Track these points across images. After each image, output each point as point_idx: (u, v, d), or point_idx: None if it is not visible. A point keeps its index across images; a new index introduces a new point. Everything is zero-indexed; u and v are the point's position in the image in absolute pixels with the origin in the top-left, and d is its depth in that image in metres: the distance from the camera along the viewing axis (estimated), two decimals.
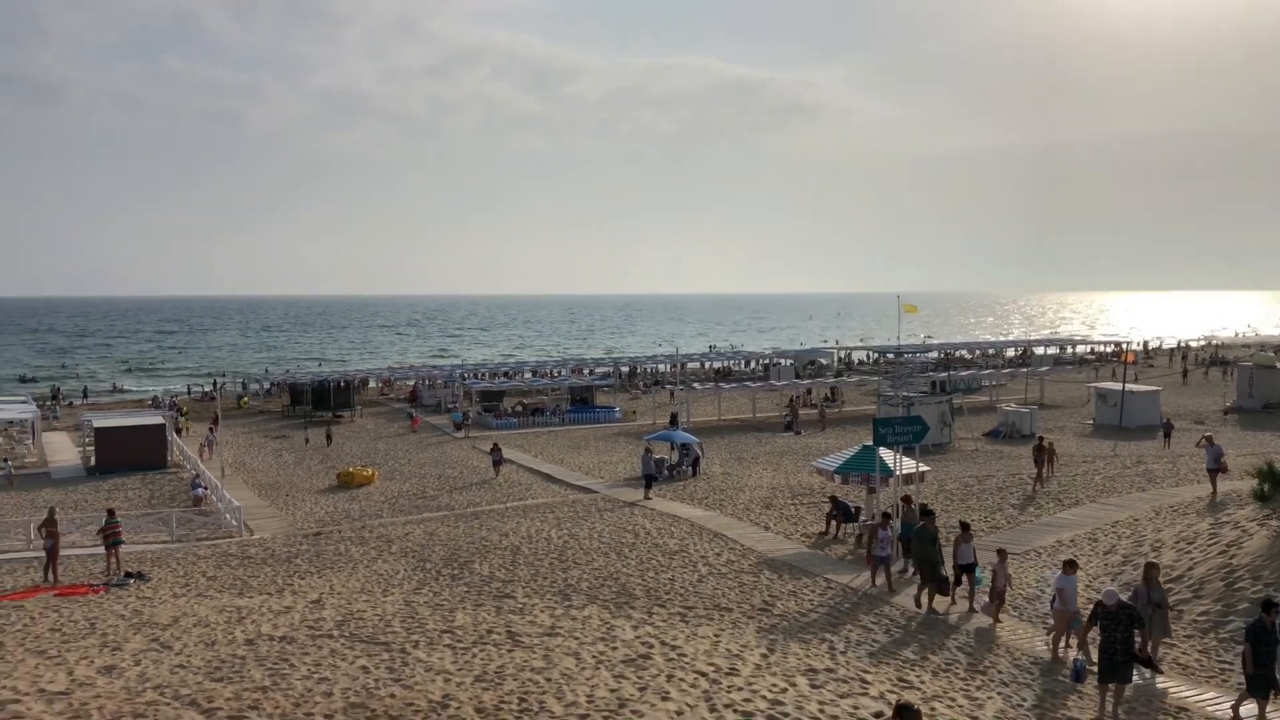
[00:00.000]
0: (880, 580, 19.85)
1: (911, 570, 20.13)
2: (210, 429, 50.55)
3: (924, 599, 18.26)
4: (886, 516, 20.99)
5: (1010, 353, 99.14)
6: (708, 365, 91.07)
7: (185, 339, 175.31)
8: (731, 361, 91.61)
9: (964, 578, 18.41)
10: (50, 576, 23.24)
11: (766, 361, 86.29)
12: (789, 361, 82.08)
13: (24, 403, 57.18)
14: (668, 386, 68.54)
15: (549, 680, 13.22)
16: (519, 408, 58.16)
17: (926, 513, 19.58)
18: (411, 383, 73.37)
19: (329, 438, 48.53)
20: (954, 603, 18.35)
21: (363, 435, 51.77)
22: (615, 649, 15.02)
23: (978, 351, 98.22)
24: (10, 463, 43.07)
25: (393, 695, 12.42)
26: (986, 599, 17.55)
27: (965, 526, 19.04)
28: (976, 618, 17.55)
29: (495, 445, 40.07)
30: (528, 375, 77.64)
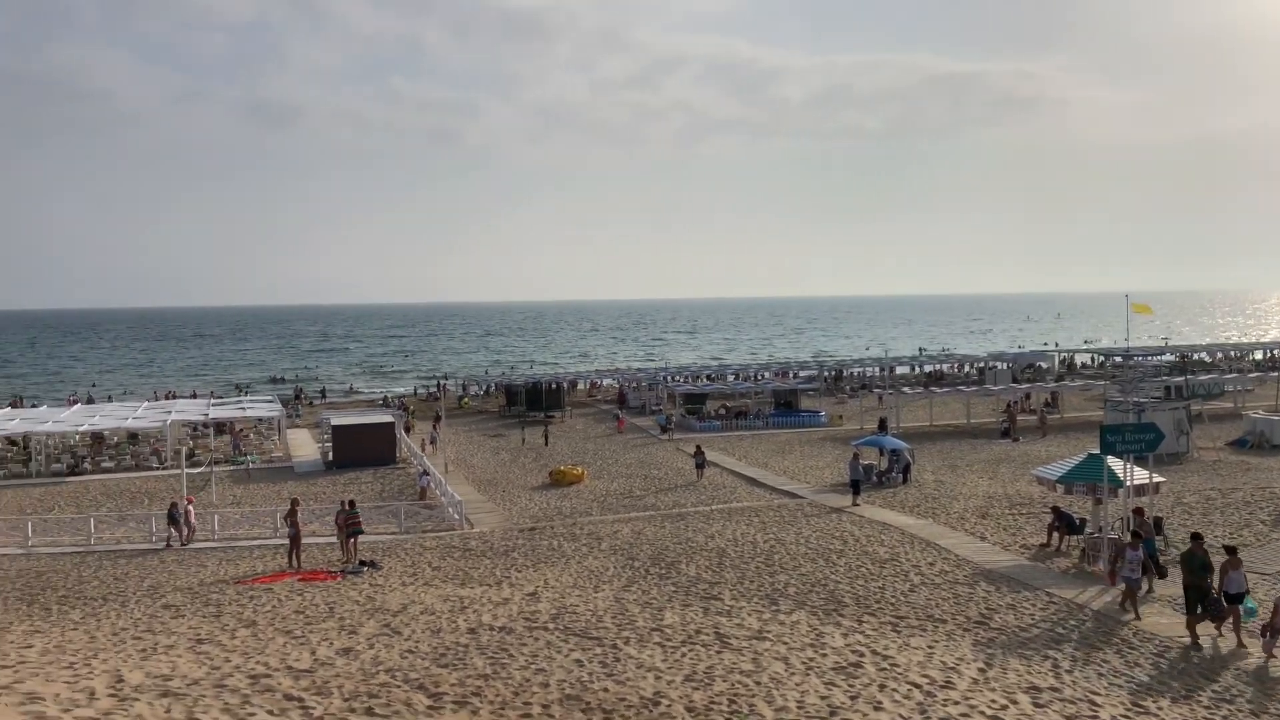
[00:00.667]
0: (1128, 603, 18.12)
1: (1153, 590, 18.75)
2: (434, 426, 53.56)
3: (1194, 628, 16.42)
4: (1137, 536, 19.08)
5: (1258, 355, 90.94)
6: (918, 369, 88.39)
7: (413, 343, 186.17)
8: (944, 365, 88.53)
9: (1229, 607, 16.20)
10: (294, 562, 25.22)
11: (981, 365, 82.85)
12: (1005, 365, 78.44)
13: (270, 402, 62.34)
14: (875, 391, 66.99)
15: (758, 684, 13.19)
16: (722, 410, 58.35)
17: (1195, 536, 17.26)
18: (618, 385, 75.06)
19: (546, 438, 50.19)
20: (1221, 634, 16.57)
21: (572, 435, 53.36)
22: (825, 656, 14.81)
23: (1219, 354, 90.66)
24: (252, 457, 47.14)
25: (605, 689, 12.72)
26: (1260, 633, 15.57)
27: (1232, 550, 16.84)
28: (1244, 651, 15.61)
29: (698, 448, 40.34)
30: (731, 378, 77.86)
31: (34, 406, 64.89)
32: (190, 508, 30.24)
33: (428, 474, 37.69)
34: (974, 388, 59.86)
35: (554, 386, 64.56)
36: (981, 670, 14.25)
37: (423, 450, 46.11)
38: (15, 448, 49.59)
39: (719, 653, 14.90)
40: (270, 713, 10.69)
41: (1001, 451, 42.12)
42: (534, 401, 62.23)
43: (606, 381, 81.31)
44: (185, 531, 29.38)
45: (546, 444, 49.06)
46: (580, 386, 78.38)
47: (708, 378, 76.03)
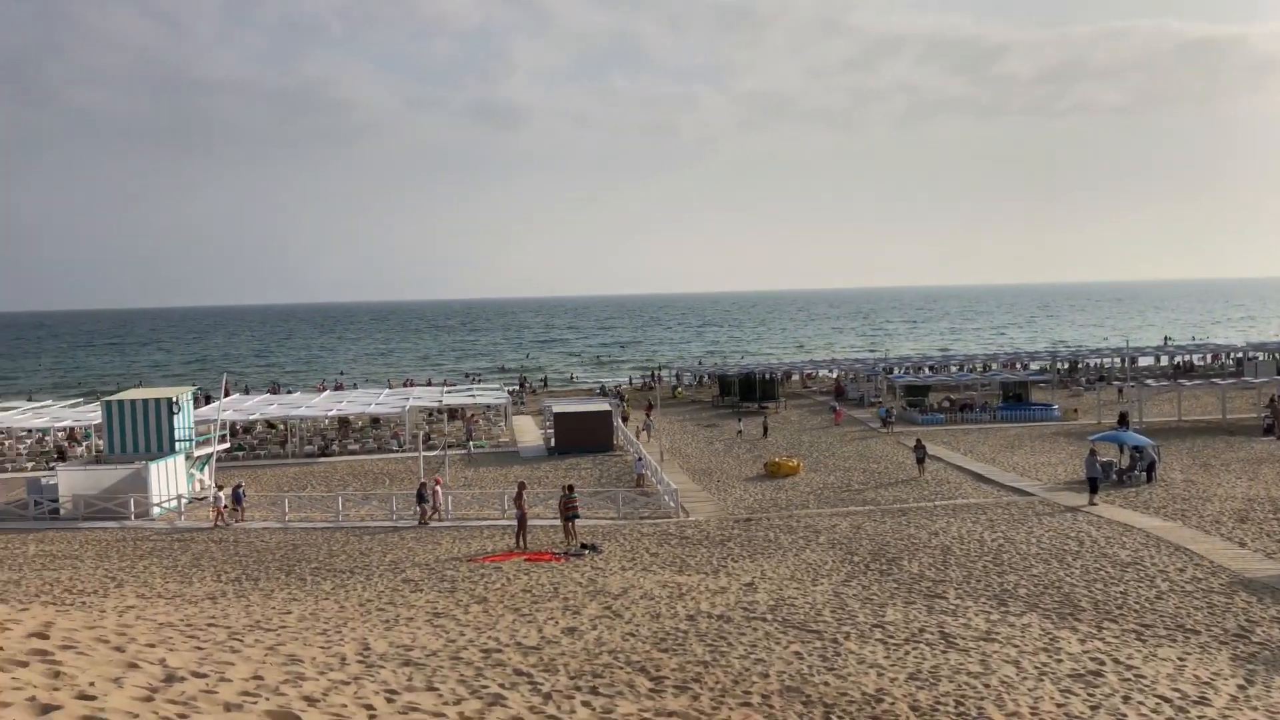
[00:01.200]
0: None
1: None
2: (646, 414, 54.52)
3: None
4: None
5: None
6: (1164, 360, 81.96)
7: (630, 334, 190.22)
8: (1195, 355, 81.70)
9: None
10: (521, 543, 26.31)
11: (1239, 355, 75.87)
12: (1269, 355, 71.46)
13: (497, 390, 65.30)
14: (1114, 383, 62.67)
15: (987, 686, 12.60)
16: (945, 403, 56.23)
17: None
18: (835, 376, 73.79)
19: (765, 429, 49.83)
20: None
21: (787, 427, 52.92)
22: (1060, 661, 13.97)
23: None
24: (480, 441, 49.44)
25: (826, 683, 12.51)
26: None
27: None
28: None
29: (919, 442, 38.96)
30: (954, 369, 74.88)
31: (289, 393, 70.75)
32: (439, 488, 32.17)
33: (643, 460, 38.38)
34: (1231, 380, 54.88)
35: (768, 377, 64.19)
36: (1241, 687, 13.04)
37: (638, 438, 47.03)
38: (274, 430, 54.27)
39: (944, 652, 14.35)
40: (501, 685, 11.15)
41: (1264, 450, 38.42)
42: (748, 392, 62.16)
43: (823, 372, 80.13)
44: (431, 510, 31.26)
45: (765, 435, 48.77)
46: (795, 377, 77.61)
47: (930, 368, 73.48)
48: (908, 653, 14.30)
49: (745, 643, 14.69)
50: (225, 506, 32.09)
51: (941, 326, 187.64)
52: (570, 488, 27.72)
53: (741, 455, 43.78)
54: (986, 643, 15.00)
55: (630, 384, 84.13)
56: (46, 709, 6.66)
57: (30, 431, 53.29)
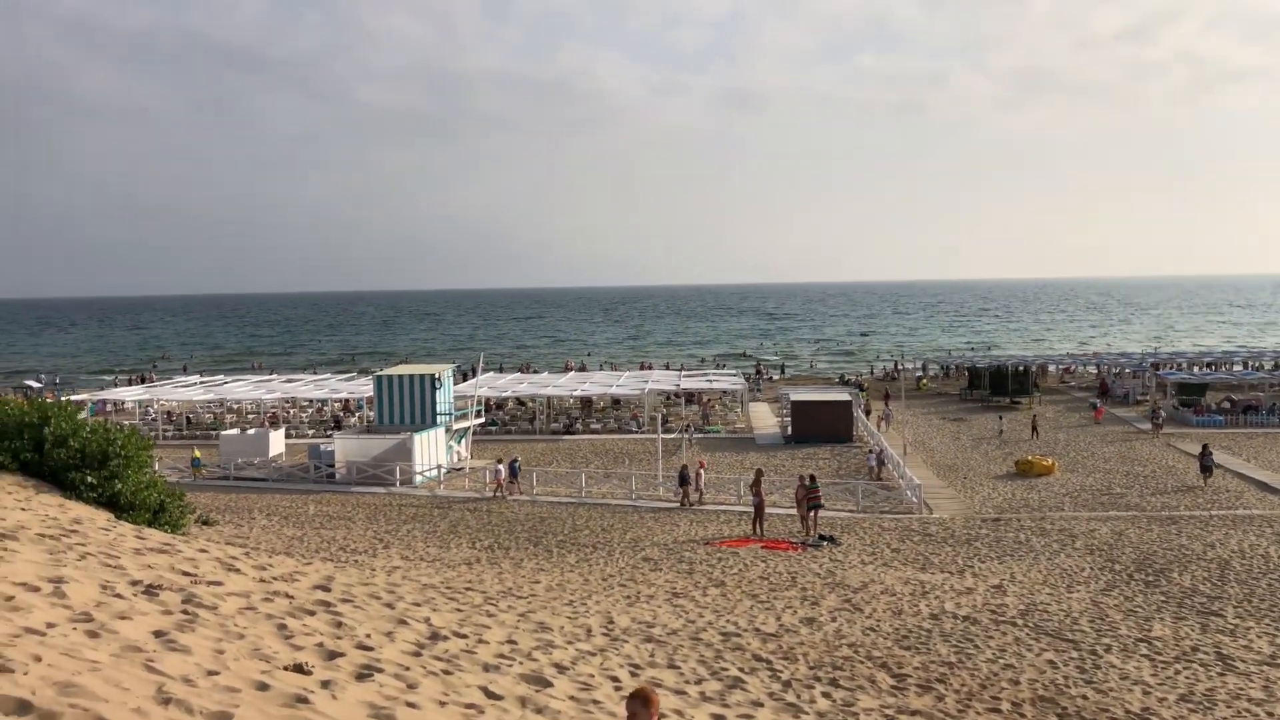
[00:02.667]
0: None
1: None
2: (885, 404, 53.09)
3: None
4: None
5: None
6: None
7: (876, 322, 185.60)
8: None
9: None
10: (758, 530, 26.30)
11: None
12: None
13: (734, 376, 65.56)
14: None
15: (1270, 715, 11.40)
16: (1226, 404, 51.28)
17: None
18: (1097, 370, 69.02)
19: (1035, 429, 45.27)
20: None
21: (1041, 424, 49.96)
22: None
23: None
24: (711, 427, 49.73)
25: (1084, 697, 11.73)
26: None
27: None
28: None
29: (1205, 448, 34.56)
30: (1237, 367, 68.23)
31: (536, 373, 74.04)
32: (701, 471, 32.58)
33: (874, 453, 37.39)
34: None
35: (1021, 370, 60.85)
36: None
37: (877, 428, 45.86)
38: (524, 407, 56.99)
39: (1220, 675, 13.11)
40: (741, 669, 11.18)
41: None
42: (998, 385, 59.21)
43: (1083, 367, 75.09)
44: (695, 493, 31.65)
45: (1035, 435, 44.61)
46: (1052, 370, 73.12)
47: (1208, 365, 67.30)
48: (1178, 672, 13.17)
49: (993, 646, 14.01)
50: (503, 478, 33.74)
51: (1220, 319, 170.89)
52: (811, 477, 27.40)
53: (990, 452, 41.79)
54: (1271, 668, 13.57)
55: (871, 374, 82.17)
56: (333, 655, 7.27)
57: (311, 402, 58.61)
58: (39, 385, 72.37)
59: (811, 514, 26.18)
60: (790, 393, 51.31)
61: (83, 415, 16.64)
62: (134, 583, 8.36)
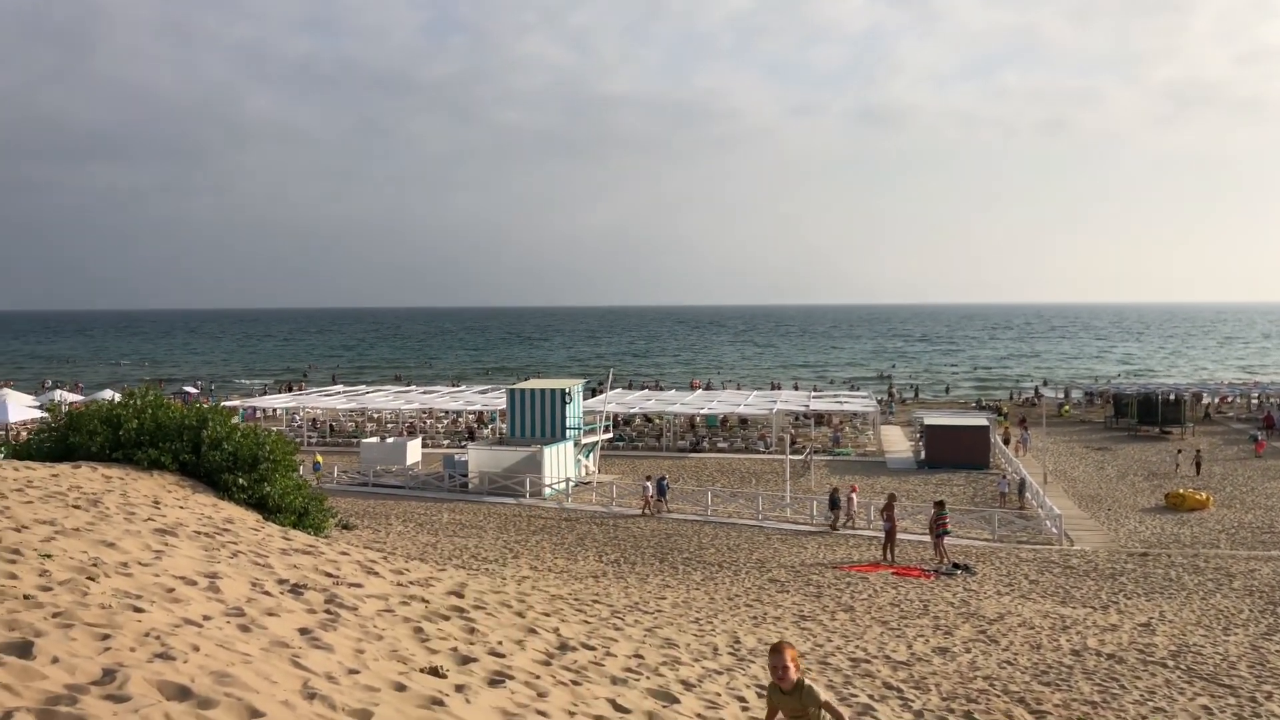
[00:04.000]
0: None
1: None
2: (1022, 429, 51.17)
3: None
4: None
5: None
6: None
7: (1017, 345, 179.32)
8: None
9: None
10: (888, 555, 25.69)
11: None
12: None
13: (865, 397, 64.39)
14: None
15: None
16: None
17: None
18: (1258, 400, 65.01)
19: (1198, 465, 41.92)
20: None
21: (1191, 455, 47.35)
22: None
23: None
24: (840, 449, 48.86)
25: None
26: None
27: None
28: None
29: None
30: None
31: (663, 390, 74.30)
32: (854, 495, 31.64)
33: (1006, 480, 36.03)
34: None
35: (1173, 399, 57.80)
36: None
37: (1015, 452, 44.25)
38: (651, 424, 57.26)
39: None
40: (870, 696, 10.91)
41: None
42: (1147, 414, 56.37)
43: (1241, 397, 70.81)
44: (845, 517, 30.89)
45: (1197, 471, 41.45)
46: (1205, 399, 69.21)
47: None
48: None
49: (1141, 688, 13.28)
50: (651, 496, 33.55)
51: None
52: (941, 503, 26.65)
53: (1137, 483, 39.81)
54: None
55: (1010, 399, 79.42)
56: (466, 660, 7.43)
57: (447, 413, 60.28)
58: (196, 391, 76.67)
59: (940, 541, 25.46)
60: (924, 416, 50.03)
61: (235, 420, 17.52)
62: (281, 581, 8.73)
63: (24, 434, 39.62)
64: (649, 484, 34.15)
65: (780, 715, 6.12)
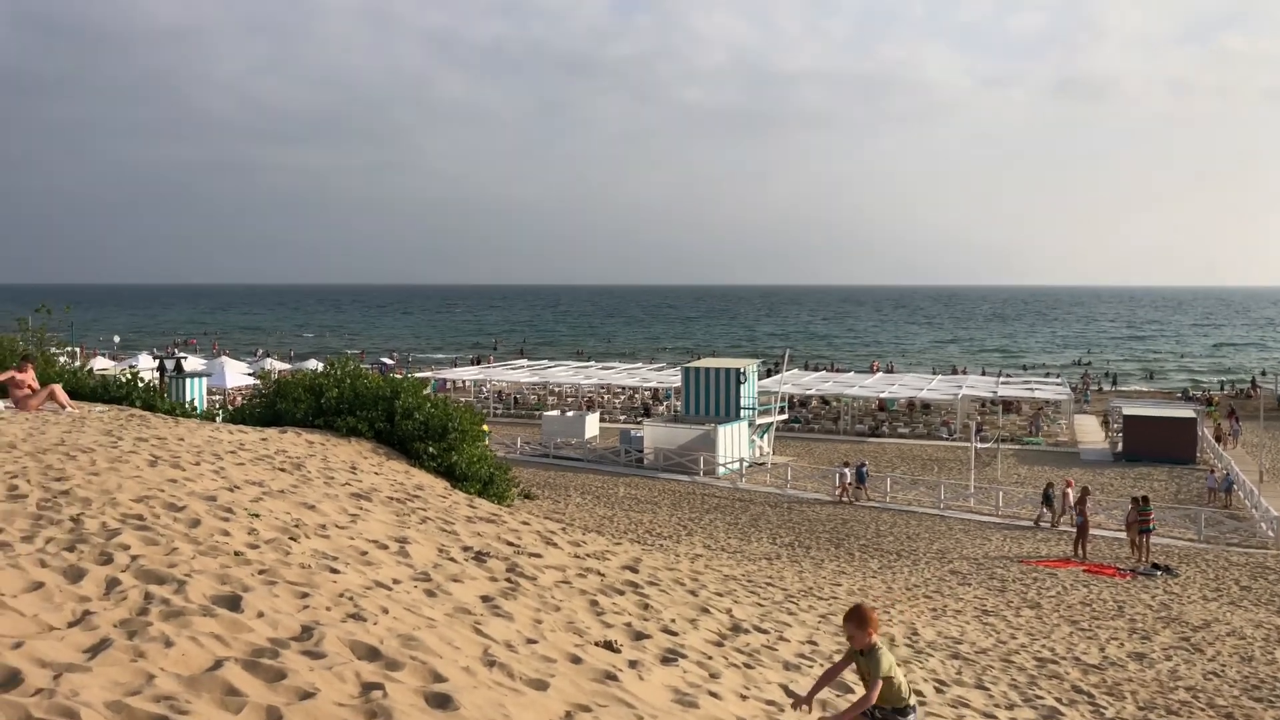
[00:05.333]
0: None
1: None
2: (1231, 421, 47.41)
3: None
4: None
5: None
6: None
7: (1238, 331, 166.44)
8: None
9: None
10: (1079, 552, 24.37)
11: None
12: None
13: (1058, 384, 61.23)
14: None
15: None
16: None
17: None
18: None
19: None
20: None
21: None
22: None
23: None
24: (1030, 438, 46.63)
25: None
26: None
27: None
28: None
29: None
30: None
31: (842, 372, 72.94)
32: (1069, 490, 28.55)
33: (1215, 476, 33.42)
34: None
35: None
36: None
37: (1223, 446, 41.09)
38: (828, 406, 56.36)
39: None
40: (1058, 699, 10.37)
41: None
42: None
43: None
44: (1060, 513, 28.53)
45: None
46: None
47: None
48: None
49: None
50: (850, 483, 32.45)
51: None
52: (1145, 499, 25.04)
53: None
54: None
55: (1223, 389, 73.81)
56: (639, 636, 7.49)
57: (624, 389, 61.23)
58: (391, 363, 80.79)
59: (1142, 539, 23.94)
60: (1123, 405, 47.13)
61: (427, 391, 18.31)
62: (465, 548, 9.05)
63: (238, 399, 42.80)
64: (847, 470, 32.91)
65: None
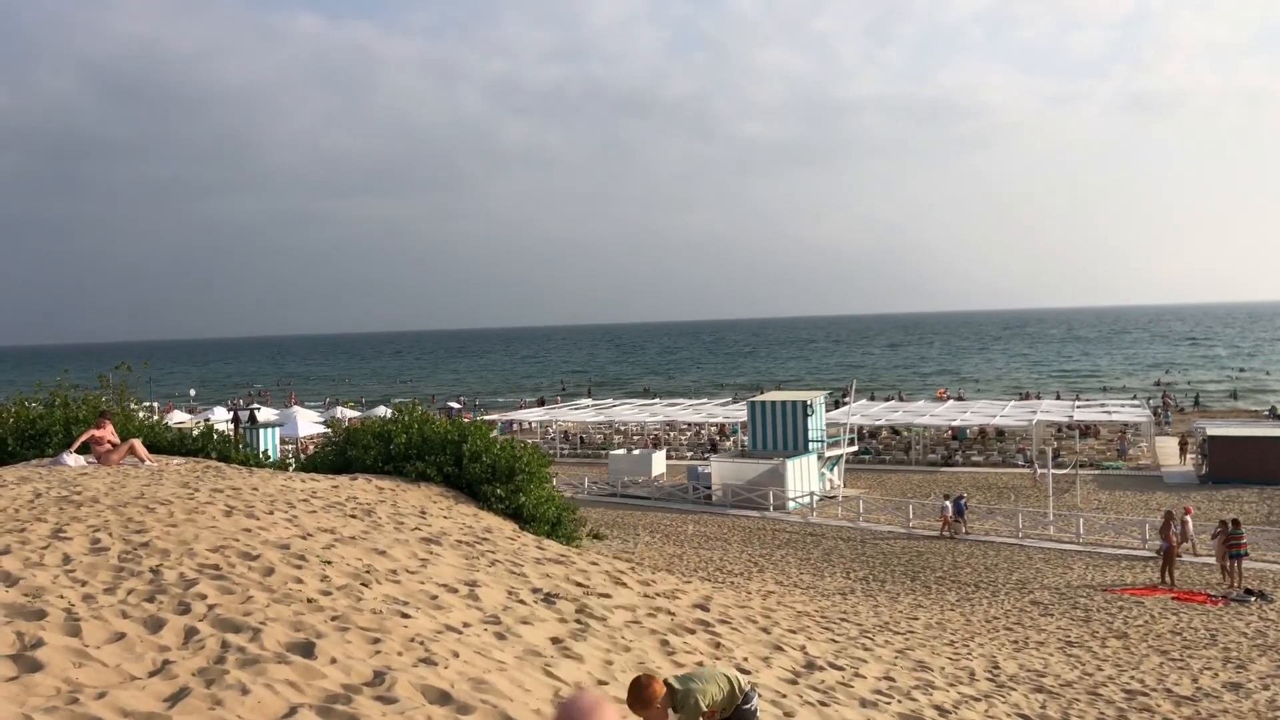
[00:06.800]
0: None
1: None
2: None
3: None
4: None
5: None
6: None
7: None
8: None
9: None
10: (1167, 578, 23.56)
11: None
12: None
13: (1138, 406, 59.58)
14: None
15: None
16: None
17: None
18: None
19: None
20: None
21: None
22: None
23: None
24: (1109, 462, 45.34)
25: None
26: None
27: None
28: None
29: None
30: None
31: (910, 401, 71.84)
32: (1189, 518, 27.33)
33: None
34: None
35: None
36: None
37: None
38: (898, 436, 55.52)
39: None
40: None
41: None
42: None
43: None
44: (1180, 541, 26.01)
45: None
46: None
47: None
48: None
49: None
50: (949, 516, 31.59)
51: None
52: (1235, 521, 24.15)
53: None
54: None
55: None
56: None
57: (689, 425, 61.05)
58: (459, 407, 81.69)
59: (1234, 564, 23.07)
60: (1206, 426, 45.65)
61: (494, 434, 18.46)
62: (534, 590, 9.06)
63: (310, 447, 43.59)
64: (947, 504, 31.96)
65: None
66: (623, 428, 61.55)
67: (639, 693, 4.61)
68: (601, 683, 6.25)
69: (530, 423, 63.24)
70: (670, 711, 4.72)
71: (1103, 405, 60.00)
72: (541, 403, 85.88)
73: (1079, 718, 10.21)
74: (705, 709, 4.79)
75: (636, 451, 46.96)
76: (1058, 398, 74.89)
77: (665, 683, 4.76)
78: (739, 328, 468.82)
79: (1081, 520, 30.93)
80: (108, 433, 14.90)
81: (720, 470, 39.60)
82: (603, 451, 53.85)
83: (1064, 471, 40.60)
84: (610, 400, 75.67)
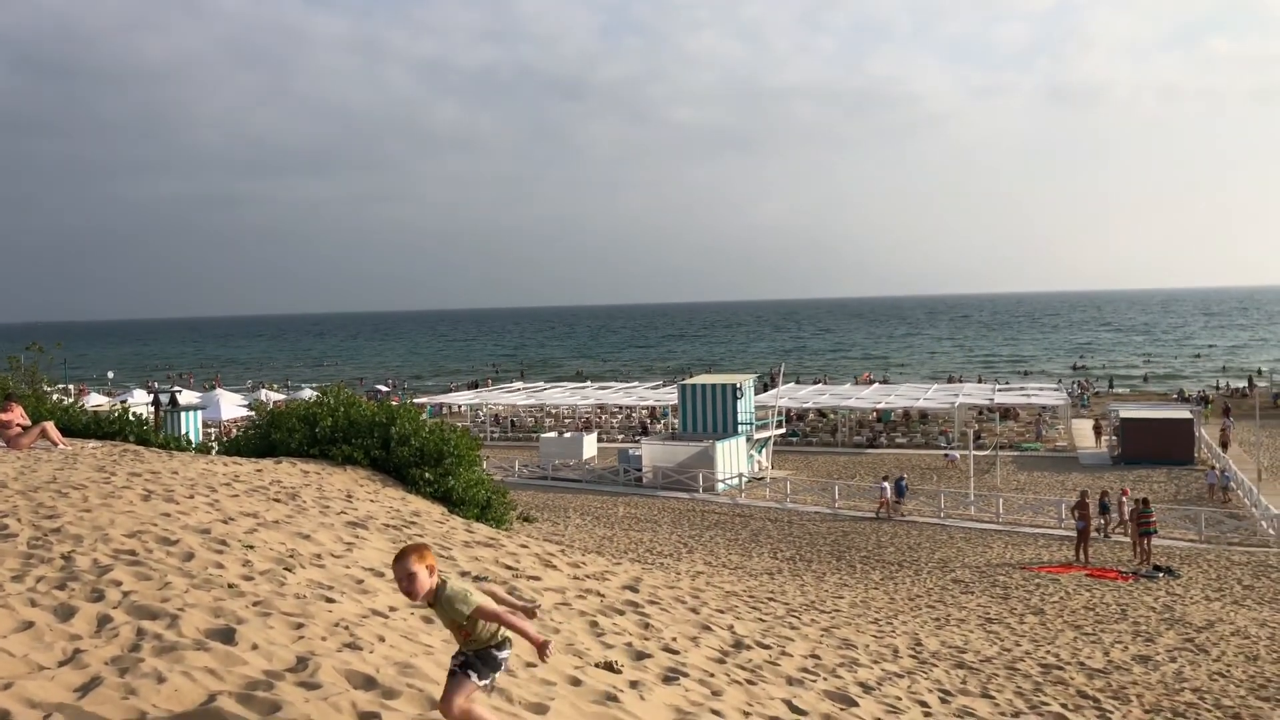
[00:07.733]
0: None
1: None
2: (1225, 418, 47.48)
3: None
4: None
5: None
6: None
7: (1225, 333, 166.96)
8: None
9: None
10: (1081, 556, 24.33)
11: None
12: None
13: (1055, 389, 61.28)
14: None
15: None
16: None
17: None
18: None
19: None
20: None
21: None
22: None
23: None
24: (1027, 444, 46.63)
25: None
26: None
27: None
28: None
29: None
30: None
31: (835, 384, 72.90)
32: (1125, 499, 28.20)
33: (1215, 473, 33.44)
34: None
35: None
36: None
37: (1223, 448, 41.11)
38: (825, 419, 56.34)
39: None
40: (1064, 706, 10.30)
41: None
42: None
43: None
44: (1118, 523, 27.77)
45: None
46: None
47: None
48: None
49: None
50: (888, 498, 32.04)
51: None
52: (1145, 500, 25.03)
53: None
54: None
55: (1218, 389, 73.92)
56: (640, 655, 7.43)
57: (621, 408, 61.17)
58: (386, 389, 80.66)
59: (1144, 541, 23.91)
60: (1119, 409, 47.16)
61: (423, 417, 18.24)
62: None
63: (233, 430, 42.70)
64: (885, 485, 32.60)
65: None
66: (554, 411, 61.42)
67: (402, 559, 4.25)
68: (529, 665, 6.24)
69: (461, 406, 62.74)
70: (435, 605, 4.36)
71: (1022, 389, 61.60)
72: (474, 386, 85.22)
73: (998, 691, 10.48)
74: (467, 612, 4.29)
75: (568, 434, 46.91)
76: (979, 381, 76.68)
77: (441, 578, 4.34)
78: (671, 312, 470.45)
79: (1001, 500, 31.76)
80: (16, 415, 14.39)
81: (651, 453, 39.76)
82: (534, 435, 53.68)
83: (984, 453, 41.65)
84: (541, 383, 75.39)
